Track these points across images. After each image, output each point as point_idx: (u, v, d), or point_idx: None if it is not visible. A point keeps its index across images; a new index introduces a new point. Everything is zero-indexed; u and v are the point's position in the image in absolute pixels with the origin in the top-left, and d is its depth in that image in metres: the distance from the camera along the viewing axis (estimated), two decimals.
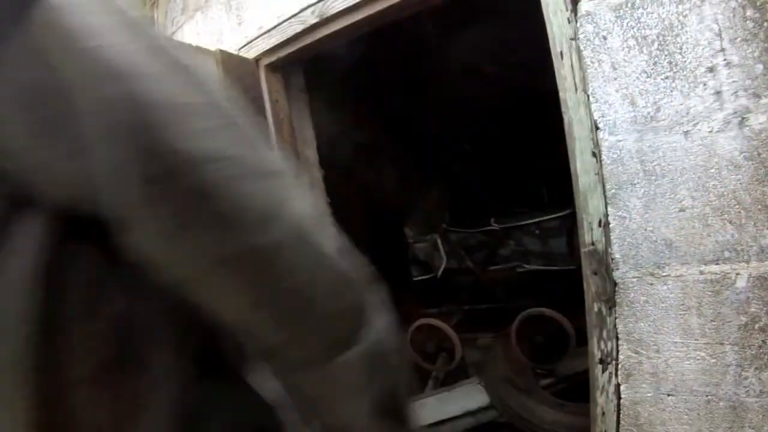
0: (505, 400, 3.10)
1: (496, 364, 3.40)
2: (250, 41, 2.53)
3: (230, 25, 2.65)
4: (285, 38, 2.39)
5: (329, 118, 3.27)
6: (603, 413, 1.72)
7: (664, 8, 1.45)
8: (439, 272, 3.97)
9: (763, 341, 1.42)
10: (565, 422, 2.91)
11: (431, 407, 3.23)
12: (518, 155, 4.84)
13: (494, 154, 4.96)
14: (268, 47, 2.47)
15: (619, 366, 1.67)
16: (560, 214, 3.63)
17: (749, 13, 1.35)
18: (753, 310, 1.42)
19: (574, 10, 1.60)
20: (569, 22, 1.61)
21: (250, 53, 2.54)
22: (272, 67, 2.59)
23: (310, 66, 2.86)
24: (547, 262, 3.70)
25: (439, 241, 3.99)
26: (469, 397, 3.25)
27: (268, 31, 2.44)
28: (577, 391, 3.09)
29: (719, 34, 1.40)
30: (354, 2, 2.10)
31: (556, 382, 3.32)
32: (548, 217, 3.69)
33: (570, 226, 3.64)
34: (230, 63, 2.36)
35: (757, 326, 1.42)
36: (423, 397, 3.34)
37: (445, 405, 3.23)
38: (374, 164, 4.24)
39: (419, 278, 4.11)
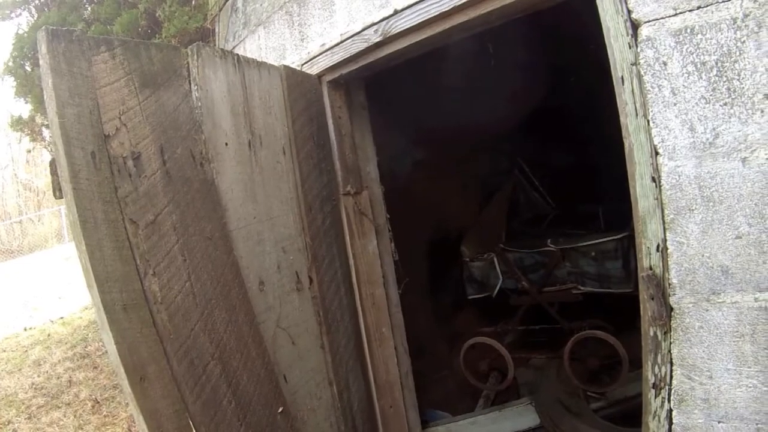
0: (557, 422, 3.15)
1: (548, 385, 3.46)
2: (313, 57, 2.68)
3: (293, 41, 2.81)
4: (348, 56, 2.52)
5: (390, 135, 3.37)
6: None
7: (722, 34, 1.52)
8: (495, 291, 4.03)
9: None
10: None
11: (482, 426, 3.32)
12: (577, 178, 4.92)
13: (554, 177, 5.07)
14: (331, 64, 2.61)
15: (672, 391, 1.72)
16: (616, 236, 3.66)
17: None
18: None
19: (635, 35, 1.67)
20: (630, 47, 1.69)
21: (313, 69, 2.68)
22: (335, 84, 2.72)
23: (372, 82, 2.99)
24: (602, 284, 3.72)
25: (495, 260, 4.06)
26: (520, 418, 3.33)
27: (331, 48, 2.58)
28: (627, 416, 3.14)
29: None
30: (417, 22, 2.22)
31: (606, 406, 3.35)
32: (604, 239, 3.71)
33: (626, 248, 3.67)
34: (294, 79, 2.50)
35: None
36: (474, 416, 3.43)
37: (496, 424, 3.32)
38: (434, 182, 4.35)
39: (474, 297, 4.18)
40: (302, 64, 2.71)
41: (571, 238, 3.93)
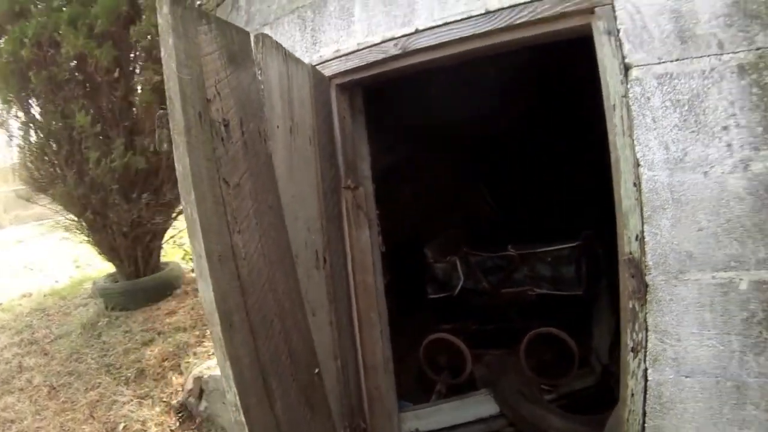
0: (517, 409, 3.80)
1: (506, 377, 4.10)
2: (325, 61, 3.19)
3: (304, 44, 3.31)
4: (363, 64, 3.06)
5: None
6: (632, 394, 2.43)
7: (694, 80, 2.21)
8: (456, 291, 4.67)
9: (759, 332, 2.16)
10: (569, 428, 3.61)
11: (446, 413, 3.92)
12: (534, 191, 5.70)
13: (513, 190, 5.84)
14: (343, 69, 3.13)
15: (648, 353, 2.38)
16: (572, 244, 4.40)
17: (754, 90, 2.12)
18: (752, 307, 2.16)
19: (626, 75, 2.34)
20: (622, 83, 2.36)
21: (325, 72, 3.19)
22: (342, 87, 3.25)
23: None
24: (556, 287, 4.44)
25: (458, 263, 4.70)
26: (480, 406, 3.97)
27: (346, 54, 3.10)
28: (574, 408, 3.84)
29: (732, 103, 2.16)
30: (436, 43, 2.80)
31: (557, 398, 4.04)
32: (560, 246, 4.45)
33: (578, 255, 4.42)
34: (317, 77, 3.02)
35: (755, 320, 2.16)
36: (438, 404, 4.03)
37: (459, 411, 3.93)
38: (398, 187, 4.93)
39: (435, 296, 4.80)
40: (312, 67, 3.17)
41: (529, 244, 4.64)
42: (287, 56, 2.69)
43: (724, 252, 2.20)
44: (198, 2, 4.17)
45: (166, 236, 7.23)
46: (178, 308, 6.38)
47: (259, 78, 2.37)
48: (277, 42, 2.61)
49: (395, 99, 4.40)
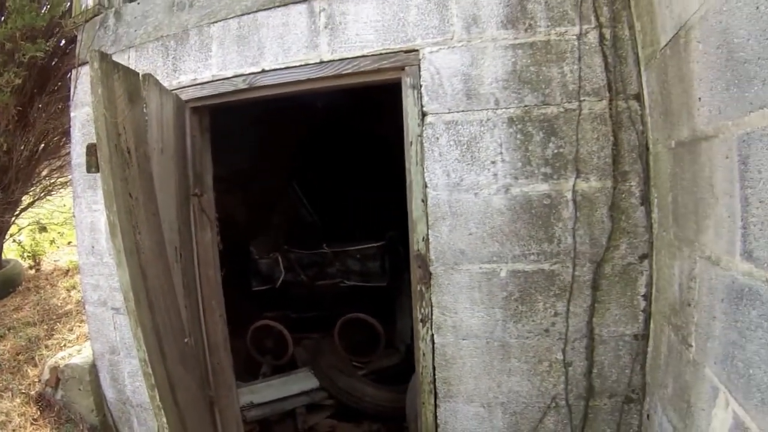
0: (335, 382, 4.62)
1: (323, 356, 4.91)
2: (183, 87, 3.72)
3: (165, 69, 3.80)
4: (216, 93, 3.64)
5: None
6: (424, 354, 3.29)
7: (473, 127, 3.10)
8: (278, 284, 5.41)
9: (516, 307, 3.11)
10: (381, 396, 4.51)
11: (275, 388, 4.65)
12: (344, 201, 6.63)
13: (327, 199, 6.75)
14: (198, 95, 3.68)
15: (433, 322, 3.25)
16: (377, 244, 5.32)
17: (518, 135, 3.03)
18: (510, 288, 3.10)
19: (423, 119, 3.18)
20: (419, 126, 3.19)
21: (182, 96, 3.72)
22: (194, 110, 3.80)
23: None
24: (364, 279, 5.35)
25: (280, 258, 5.44)
26: (303, 381, 4.75)
27: (202, 83, 3.66)
28: (382, 381, 4.75)
29: (501, 145, 3.06)
30: (277, 82, 3.47)
31: (368, 374, 4.93)
32: (368, 245, 5.35)
33: (383, 253, 5.34)
34: (179, 103, 3.56)
35: (512, 298, 3.11)
36: (268, 381, 4.75)
37: (286, 386, 4.68)
38: (229, 192, 5.55)
39: (259, 288, 5.51)
40: (171, 90, 3.67)
41: (341, 243, 5.50)
42: (162, 89, 3.26)
43: (488, 250, 3.11)
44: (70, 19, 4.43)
45: (7, 234, 7.28)
46: (24, 304, 6.52)
47: (144, 111, 2.95)
48: (156, 79, 3.18)
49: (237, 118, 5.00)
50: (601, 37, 2.93)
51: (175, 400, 2.82)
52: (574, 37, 2.96)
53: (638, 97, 2.89)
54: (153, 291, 2.75)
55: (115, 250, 2.51)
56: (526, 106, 3.03)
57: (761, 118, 1.51)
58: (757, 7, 1.48)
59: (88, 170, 2.60)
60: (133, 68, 3.65)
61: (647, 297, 2.96)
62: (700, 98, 1.99)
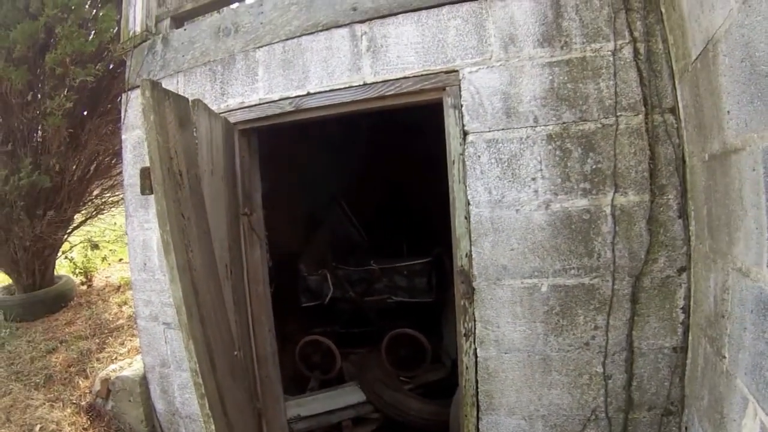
0: (380, 395, 4.69)
1: (370, 370, 5.00)
2: (232, 110, 3.87)
3: (213, 93, 3.96)
4: (263, 116, 3.77)
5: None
6: (467, 368, 3.34)
7: (513, 145, 3.15)
8: (326, 300, 5.54)
9: (557, 321, 3.14)
10: (426, 410, 4.57)
11: (321, 401, 4.75)
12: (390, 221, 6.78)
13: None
14: (246, 118, 3.83)
15: (476, 337, 3.29)
16: (424, 260, 5.40)
17: (557, 152, 3.07)
18: (551, 303, 3.14)
19: (464, 139, 3.25)
20: (460, 145, 3.26)
21: (230, 119, 3.87)
22: (243, 132, 3.94)
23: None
24: (411, 295, 5.44)
25: (328, 275, 5.57)
26: (349, 395, 4.83)
27: (250, 106, 3.80)
28: (430, 395, 4.80)
29: (540, 162, 3.11)
30: (323, 104, 3.59)
31: (414, 388, 4.99)
32: (414, 261, 5.44)
33: (429, 269, 5.41)
34: (227, 126, 3.71)
35: (553, 312, 3.14)
36: (314, 395, 4.85)
37: (332, 400, 4.78)
38: (278, 212, 5.71)
39: (308, 304, 5.65)
40: (220, 113, 3.82)
41: (388, 259, 5.60)
42: (210, 113, 3.42)
43: (529, 265, 3.16)
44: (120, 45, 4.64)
45: (59, 251, 7.54)
46: (76, 318, 6.76)
47: (195, 135, 3.10)
48: (205, 104, 3.33)
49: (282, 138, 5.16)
50: (636, 51, 2.96)
51: (224, 410, 2.93)
52: (609, 52, 3.00)
53: (674, 111, 2.91)
54: (204, 306, 2.87)
55: (168, 266, 2.64)
56: (564, 122, 3.08)
57: None
58: None
59: (142, 192, 2.74)
60: (182, 93, 3.86)
61: (686, 309, 2.96)
62: (728, 111, 2.02)
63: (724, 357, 2.21)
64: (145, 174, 2.68)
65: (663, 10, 2.92)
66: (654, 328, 3.02)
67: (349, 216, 7.02)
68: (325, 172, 7.09)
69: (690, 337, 2.93)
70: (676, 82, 2.89)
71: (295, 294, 5.74)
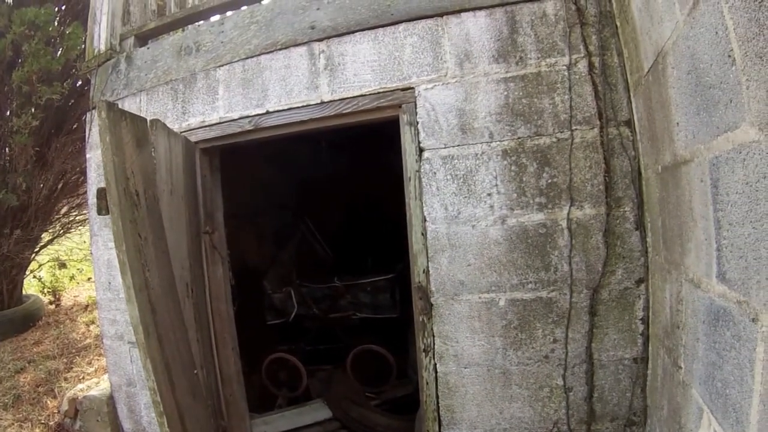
0: (347, 412, 4.60)
1: (336, 387, 4.89)
2: (192, 129, 3.81)
3: (175, 112, 3.90)
4: (223, 134, 3.72)
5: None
6: (427, 383, 3.29)
7: (469, 161, 3.14)
8: (291, 317, 5.43)
9: (516, 334, 3.10)
10: (393, 425, 4.48)
11: (288, 419, 4.64)
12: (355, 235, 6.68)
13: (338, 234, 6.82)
14: (207, 137, 3.77)
15: (435, 352, 3.25)
16: (387, 276, 5.33)
17: (513, 167, 3.06)
18: (509, 317, 3.11)
19: (420, 156, 3.22)
20: (416, 161, 3.23)
21: (191, 138, 3.81)
22: (205, 151, 3.89)
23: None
24: (375, 311, 5.36)
25: (292, 293, 5.47)
26: (316, 412, 4.73)
27: (210, 125, 3.75)
28: (397, 410, 4.71)
29: (496, 177, 3.10)
30: (281, 123, 3.54)
31: (381, 404, 4.90)
32: (378, 278, 5.36)
33: (393, 285, 5.34)
34: (188, 145, 3.66)
35: (512, 326, 3.11)
36: (281, 412, 4.73)
37: (299, 417, 4.67)
38: (242, 231, 5.62)
39: (273, 322, 5.53)
40: (181, 132, 3.78)
41: (352, 276, 5.51)
42: (170, 133, 3.34)
43: (487, 280, 3.13)
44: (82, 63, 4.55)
45: (27, 270, 7.41)
46: (44, 338, 6.63)
47: (153, 155, 3.02)
48: (164, 123, 3.27)
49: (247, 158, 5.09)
50: (591, 65, 2.97)
51: (184, 428, 2.85)
52: (564, 67, 3.00)
53: (629, 124, 2.93)
54: (162, 325, 2.80)
55: (125, 286, 2.57)
56: (519, 137, 3.07)
57: (726, 142, 1.54)
58: (716, 33, 1.52)
59: (98, 213, 2.67)
60: (144, 111, 3.81)
61: (645, 320, 2.95)
62: (678, 123, 2.03)
63: (681, 367, 2.19)
64: (101, 194, 2.62)
65: (618, 24, 2.95)
66: (614, 339, 3.00)
67: (313, 233, 6.96)
68: (290, 190, 7.06)
69: (650, 348, 2.93)
70: (631, 95, 2.91)
71: (261, 312, 5.63)
